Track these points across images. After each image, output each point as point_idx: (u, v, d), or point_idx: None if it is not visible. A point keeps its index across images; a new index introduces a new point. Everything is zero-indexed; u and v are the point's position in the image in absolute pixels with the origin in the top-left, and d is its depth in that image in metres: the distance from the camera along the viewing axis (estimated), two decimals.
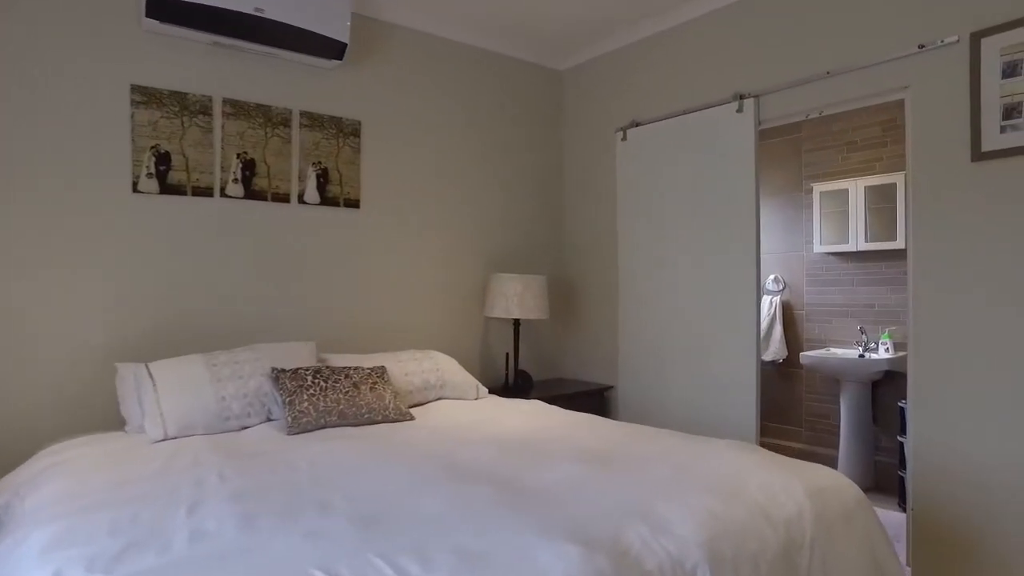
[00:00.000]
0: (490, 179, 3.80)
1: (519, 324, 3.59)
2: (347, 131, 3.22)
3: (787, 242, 4.51)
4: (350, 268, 3.23)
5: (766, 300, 4.53)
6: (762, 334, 4.54)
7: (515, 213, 3.92)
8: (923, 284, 2.50)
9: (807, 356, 4.06)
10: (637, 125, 3.56)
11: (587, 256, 3.98)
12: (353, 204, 3.25)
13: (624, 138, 3.63)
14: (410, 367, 2.90)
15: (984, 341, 2.34)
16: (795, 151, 4.46)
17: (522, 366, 3.88)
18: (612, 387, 3.72)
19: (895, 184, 3.90)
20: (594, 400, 3.68)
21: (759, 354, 3.04)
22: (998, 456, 2.29)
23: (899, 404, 3.45)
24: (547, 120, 4.10)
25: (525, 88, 3.98)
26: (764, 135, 4.73)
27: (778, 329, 4.45)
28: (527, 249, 3.98)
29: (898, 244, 3.85)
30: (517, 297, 3.39)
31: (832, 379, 4.20)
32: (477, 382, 3.06)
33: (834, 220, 4.20)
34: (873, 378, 3.89)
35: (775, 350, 4.46)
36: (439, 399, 2.93)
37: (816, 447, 4.32)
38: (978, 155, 2.37)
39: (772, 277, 4.57)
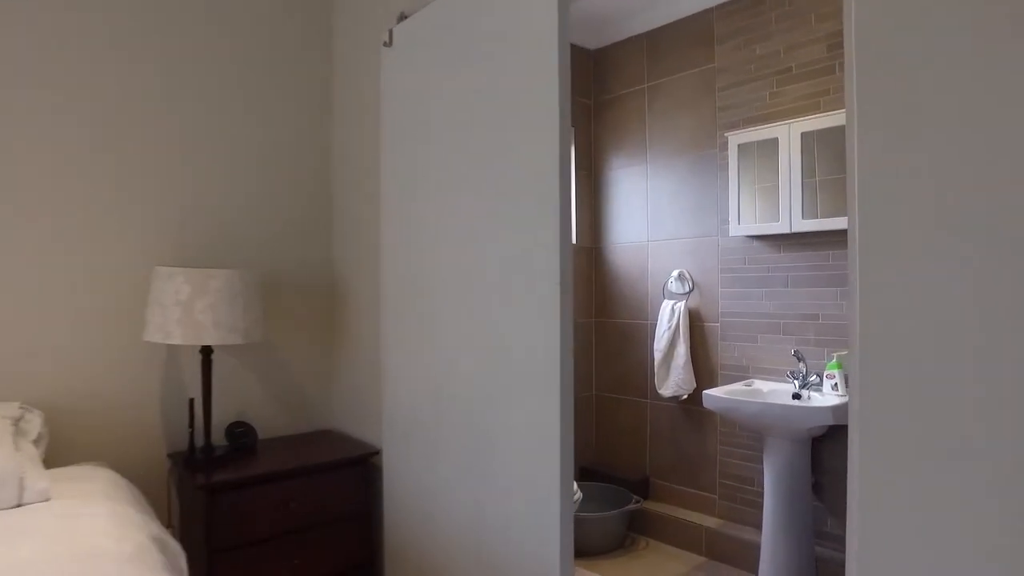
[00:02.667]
0: (213, 117, 2.37)
1: (211, 352, 2.16)
2: None
3: (697, 223, 3.09)
4: None
5: (667, 307, 3.11)
6: (660, 356, 3.14)
7: (257, 173, 2.49)
8: (874, 287, 1.09)
9: (711, 396, 2.63)
10: (405, 18, 2.13)
11: (354, 245, 2.56)
12: None
13: (389, 43, 2.19)
14: None
15: (983, 391, 0.93)
16: (707, 88, 3.04)
17: (258, 414, 2.45)
18: (378, 452, 2.30)
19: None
20: (352, 474, 2.25)
21: (567, 405, 1.61)
22: None
23: None
24: (311, 26, 2.67)
25: None
26: (665, 68, 3.21)
27: (682, 350, 3.03)
28: (276, 232, 2.55)
29: None
30: (181, 308, 1.96)
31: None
32: (23, 474, 1.60)
33: (759, 187, 2.79)
34: (813, 433, 2.48)
35: (678, 381, 3.03)
36: None
37: (736, 525, 2.90)
38: None
39: (676, 274, 3.14)
